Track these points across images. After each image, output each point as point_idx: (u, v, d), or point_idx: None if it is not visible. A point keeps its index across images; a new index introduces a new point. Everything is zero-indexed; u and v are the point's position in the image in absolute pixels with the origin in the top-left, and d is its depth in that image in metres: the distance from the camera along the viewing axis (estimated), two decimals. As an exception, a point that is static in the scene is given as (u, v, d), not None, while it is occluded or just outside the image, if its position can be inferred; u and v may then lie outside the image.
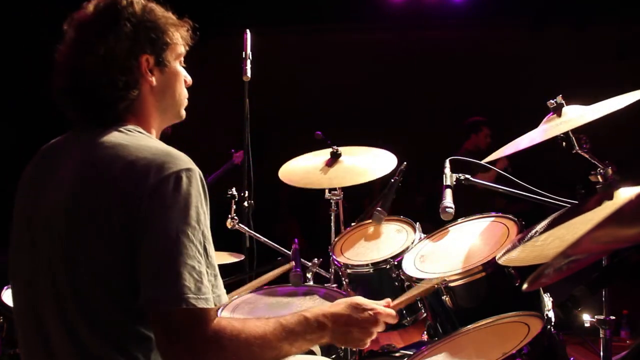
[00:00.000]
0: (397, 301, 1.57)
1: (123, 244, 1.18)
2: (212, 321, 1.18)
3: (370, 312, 1.41)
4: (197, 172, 1.23)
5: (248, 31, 3.16)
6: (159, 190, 1.18)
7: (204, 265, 1.18)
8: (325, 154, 2.75)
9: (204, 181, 1.25)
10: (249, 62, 3.09)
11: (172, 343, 1.16)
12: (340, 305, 1.40)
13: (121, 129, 1.31)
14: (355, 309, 1.39)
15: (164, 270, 1.15)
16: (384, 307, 1.46)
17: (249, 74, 3.08)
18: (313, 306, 1.38)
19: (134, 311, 1.20)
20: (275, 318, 1.29)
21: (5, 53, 5.89)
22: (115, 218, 1.18)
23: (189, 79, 1.49)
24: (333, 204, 2.80)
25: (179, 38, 1.43)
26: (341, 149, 2.71)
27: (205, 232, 1.21)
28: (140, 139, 1.29)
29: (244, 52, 3.10)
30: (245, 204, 3.22)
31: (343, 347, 2.10)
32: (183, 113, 1.49)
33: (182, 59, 1.47)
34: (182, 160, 1.23)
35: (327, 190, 2.77)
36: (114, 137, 1.28)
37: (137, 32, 1.34)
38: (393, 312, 1.48)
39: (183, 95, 1.47)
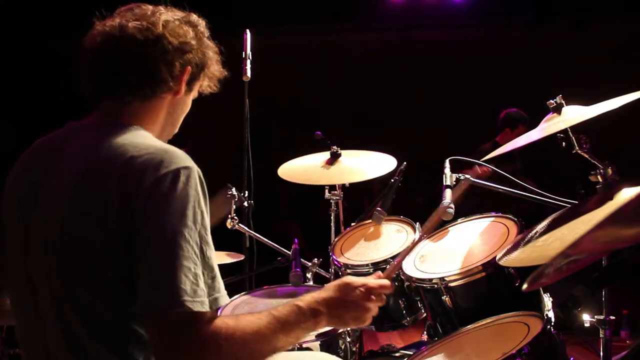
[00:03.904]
0: (387, 270, 1.58)
1: (119, 246, 1.17)
2: (208, 323, 1.16)
3: (361, 289, 1.40)
4: (195, 170, 1.21)
5: (248, 31, 3.15)
6: (155, 189, 1.16)
7: (200, 267, 1.16)
8: (325, 154, 2.75)
9: (203, 180, 1.22)
10: (249, 62, 3.08)
11: (167, 346, 1.14)
12: (330, 289, 1.39)
13: (119, 126, 1.28)
14: (345, 289, 1.38)
15: (159, 273, 1.13)
16: (374, 280, 1.45)
17: (249, 74, 3.08)
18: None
19: (131, 313, 1.19)
20: (268, 311, 1.26)
21: (5, 53, 5.89)
22: (111, 220, 1.16)
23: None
24: (333, 204, 2.80)
25: (212, 73, 1.44)
26: (341, 152, 2.70)
27: (202, 233, 1.18)
28: (137, 137, 1.26)
29: (244, 52, 3.10)
30: (245, 204, 3.21)
31: (347, 331, 2.12)
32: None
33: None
34: (180, 158, 1.20)
35: (327, 190, 2.77)
36: (111, 136, 1.25)
37: (199, 44, 1.36)
38: (386, 281, 1.47)
39: (178, 126, 1.47)
